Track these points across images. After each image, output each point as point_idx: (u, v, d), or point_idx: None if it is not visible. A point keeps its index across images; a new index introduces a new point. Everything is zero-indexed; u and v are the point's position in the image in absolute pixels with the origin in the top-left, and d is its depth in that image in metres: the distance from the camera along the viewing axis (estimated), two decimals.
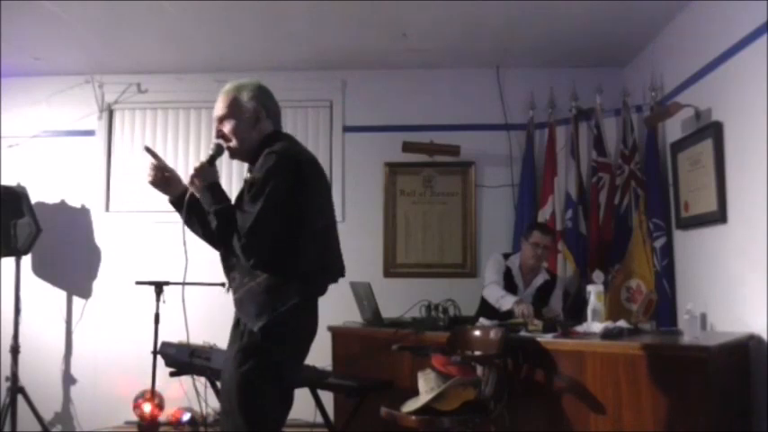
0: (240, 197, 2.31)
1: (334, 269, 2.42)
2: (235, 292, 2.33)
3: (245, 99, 2.37)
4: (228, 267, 2.36)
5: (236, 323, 2.34)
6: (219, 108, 2.39)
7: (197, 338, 2.68)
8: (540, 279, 3.96)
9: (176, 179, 2.41)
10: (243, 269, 2.28)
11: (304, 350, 2.36)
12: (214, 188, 2.28)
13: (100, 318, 4.87)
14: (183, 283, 2.49)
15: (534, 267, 3.95)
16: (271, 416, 2.26)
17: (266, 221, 2.19)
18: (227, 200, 2.32)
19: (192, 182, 2.28)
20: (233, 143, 2.37)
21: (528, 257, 3.93)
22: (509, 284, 3.92)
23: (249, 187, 2.24)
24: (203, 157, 2.35)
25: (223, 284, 2.57)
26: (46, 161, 5.01)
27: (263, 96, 2.41)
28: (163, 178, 2.38)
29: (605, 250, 4.29)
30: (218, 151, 2.36)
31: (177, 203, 2.36)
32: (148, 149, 2.38)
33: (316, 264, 2.32)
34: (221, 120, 2.37)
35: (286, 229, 2.23)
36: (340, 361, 3.89)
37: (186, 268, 2.37)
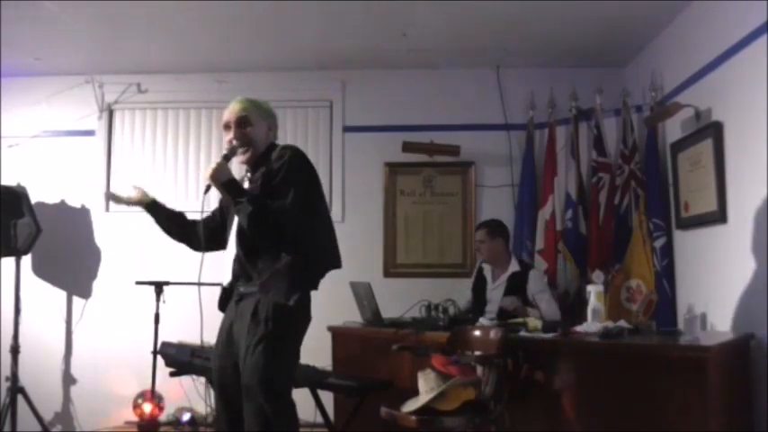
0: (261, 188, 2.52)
1: (337, 252, 2.66)
2: (260, 277, 2.50)
3: (263, 110, 2.64)
4: (253, 255, 2.53)
5: (254, 312, 2.47)
6: (240, 110, 2.58)
7: (197, 338, 2.70)
8: (509, 271, 3.97)
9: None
10: (268, 254, 2.48)
11: (306, 330, 2.58)
12: (234, 183, 2.48)
13: (100, 318, 4.86)
14: (199, 284, 2.53)
15: (496, 262, 4.02)
16: (291, 396, 2.48)
17: (299, 202, 2.45)
18: (247, 192, 2.51)
19: (212, 178, 2.43)
20: (252, 148, 2.58)
21: (482, 256, 4.10)
22: (479, 281, 4.08)
23: (269, 176, 2.49)
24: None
25: (220, 284, 2.61)
26: (46, 161, 5.01)
27: (271, 111, 2.70)
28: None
29: (605, 250, 4.28)
30: (232, 151, 2.57)
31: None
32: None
33: (327, 244, 2.61)
34: (241, 122, 2.57)
35: (309, 214, 2.51)
36: (340, 361, 3.89)
37: (201, 266, 2.51)
